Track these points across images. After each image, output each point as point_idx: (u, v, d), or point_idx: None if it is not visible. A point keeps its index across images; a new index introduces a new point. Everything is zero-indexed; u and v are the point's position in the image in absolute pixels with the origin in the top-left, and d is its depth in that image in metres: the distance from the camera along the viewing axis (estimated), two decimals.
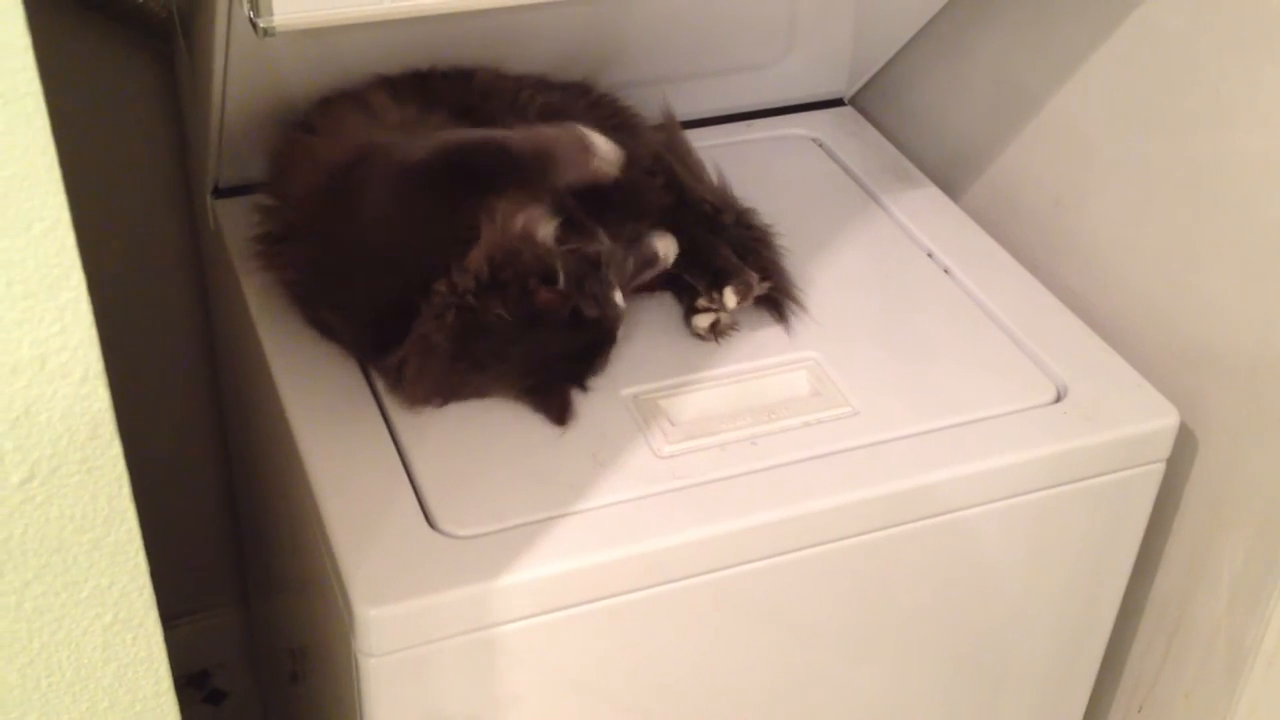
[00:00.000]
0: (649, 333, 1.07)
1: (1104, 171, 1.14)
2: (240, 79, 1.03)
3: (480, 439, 0.97)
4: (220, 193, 1.18)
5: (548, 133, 0.99)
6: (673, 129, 1.19)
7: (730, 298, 1.05)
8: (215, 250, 1.20)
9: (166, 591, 0.72)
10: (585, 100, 1.17)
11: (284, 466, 1.01)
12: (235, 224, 1.15)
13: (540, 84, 1.14)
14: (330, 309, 1.01)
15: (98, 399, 0.56)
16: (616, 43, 1.20)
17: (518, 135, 0.98)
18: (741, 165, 1.25)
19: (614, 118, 1.17)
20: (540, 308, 0.94)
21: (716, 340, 1.06)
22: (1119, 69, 1.11)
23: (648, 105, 1.23)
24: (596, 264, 0.96)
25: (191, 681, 1.72)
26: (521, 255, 0.94)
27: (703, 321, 1.06)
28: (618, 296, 0.97)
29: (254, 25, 0.82)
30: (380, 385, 1.00)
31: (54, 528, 0.58)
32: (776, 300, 1.10)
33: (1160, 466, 1.05)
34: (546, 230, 0.96)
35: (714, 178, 1.18)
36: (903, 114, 1.37)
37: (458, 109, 1.06)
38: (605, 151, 0.99)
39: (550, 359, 0.97)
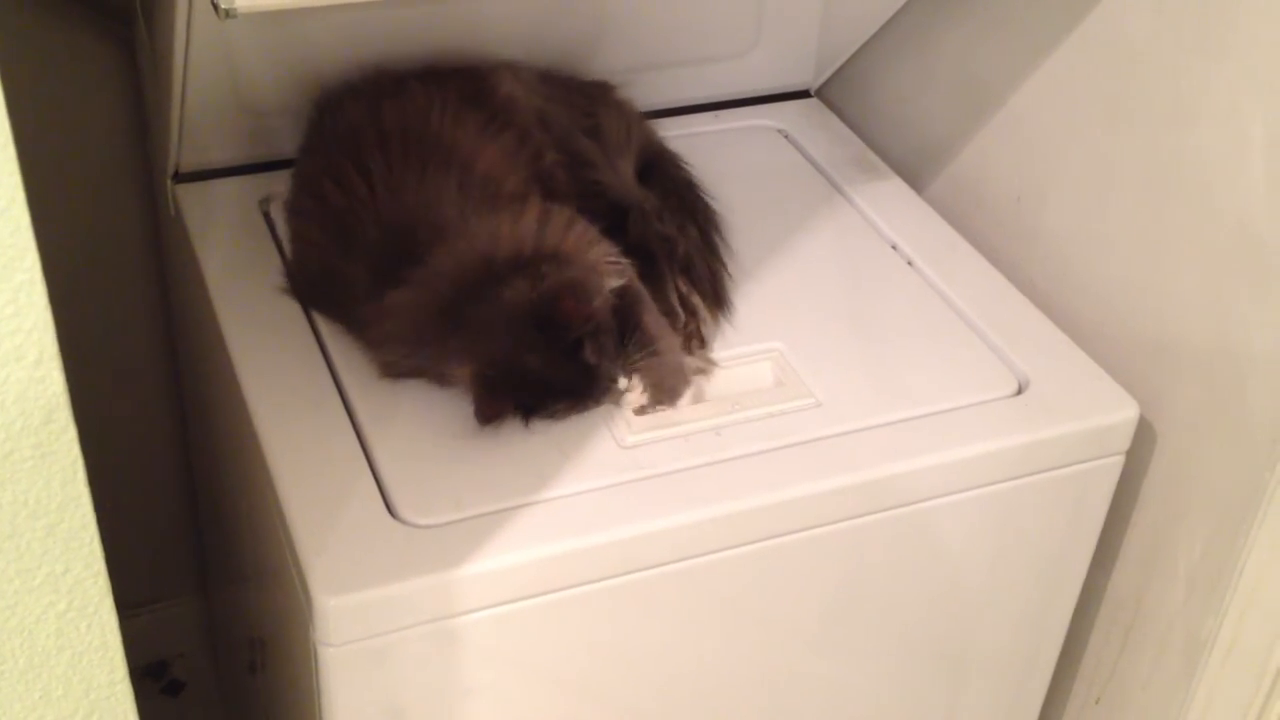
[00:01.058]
0: None
1: (1065, 168, 1.15)
2: (201, 63, 1.02)
3: (442, 428, 0.96)
4: (180, 177, 1.17)
5: (675, 359, 1.01)
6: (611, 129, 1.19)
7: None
8: (175, 235, 1.19)
9: (125, 581, 0.71)
10: (564, 92, 1.17)
11: (244, 454, 1.00)
12: (195, 209, 1.15)
13: (541, 77, 1.14)
14: (353, 256, 1.00)
15: (52, 383, 0.56)
16: (584, 32, 1.20)
17: (656, 320, 1.01)
18: (708, 156, 1.25)
19: (590, 118, 1.16)
20: (559, 311, 0.92)
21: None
22: (1080, 67, 1.12)
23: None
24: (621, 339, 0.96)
25: (149, 672, 1.70)
26: (573, 263, 0.95)
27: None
28: (621, 378, 0.95)
29: (215, 7, 0.81)
30: (342, 371, 1.00)
31: (7, 513, 0.57)
32: (718, 294, 1.09)
33: (1120, 459, 1.05)
34: (606, 282, 0.97)
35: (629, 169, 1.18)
36: (868, 107, 1.38)
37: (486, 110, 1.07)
38: (675, 397, 1.00)
39: (523, 368, 0.93)
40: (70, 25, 1.27)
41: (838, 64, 1.38)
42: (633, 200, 1.12)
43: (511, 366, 0.93)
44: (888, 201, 1.25)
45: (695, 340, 1.05)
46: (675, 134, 1.28)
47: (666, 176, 1.18)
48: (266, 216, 1.15)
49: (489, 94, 1.09)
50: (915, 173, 1.31)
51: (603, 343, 0.93)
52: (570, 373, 0.93)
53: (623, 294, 0.98)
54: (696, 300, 1.07)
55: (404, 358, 0.97)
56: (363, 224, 1.00)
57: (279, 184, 1.18)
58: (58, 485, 0.58)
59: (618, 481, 0.93)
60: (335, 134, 1.07)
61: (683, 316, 1.06)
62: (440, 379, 0.97)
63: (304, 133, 1.12)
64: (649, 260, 1.07)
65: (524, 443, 0.96)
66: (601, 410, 0.98)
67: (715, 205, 1.18)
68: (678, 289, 1.07)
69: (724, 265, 1.12)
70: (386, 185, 1.00)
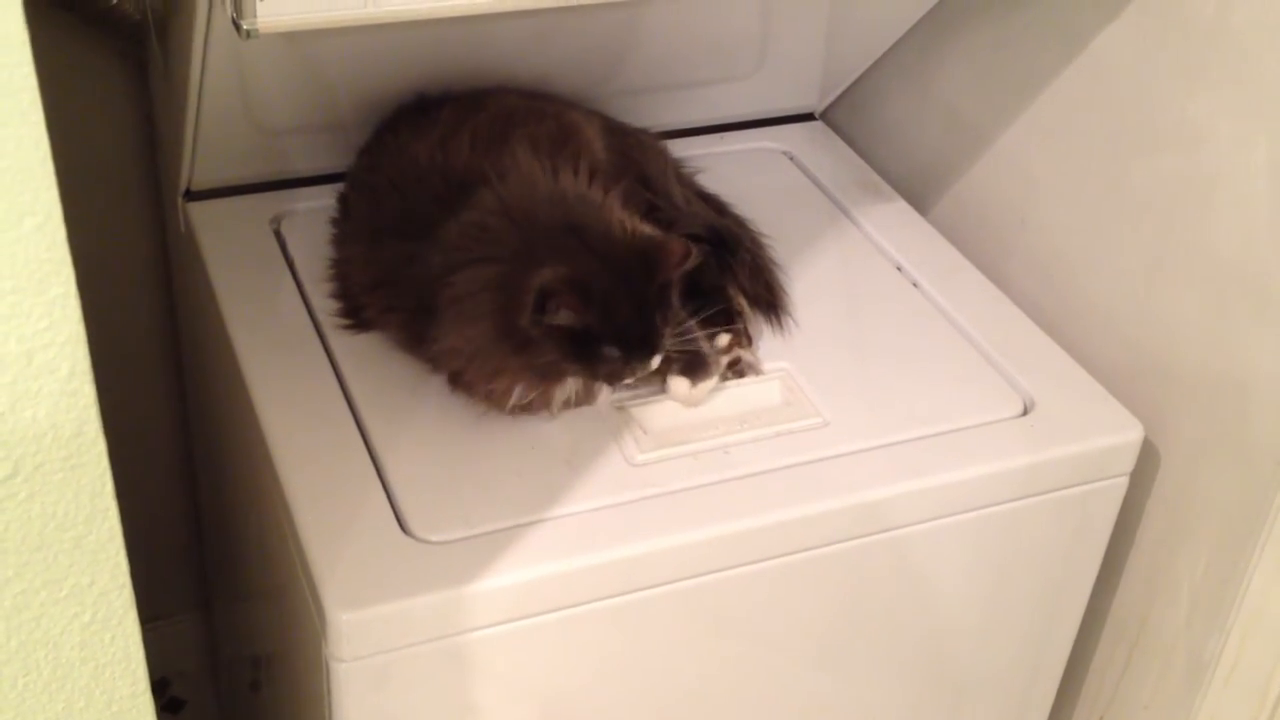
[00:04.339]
0: None
1: (1069, 191, 1.16)
2: (216, 82, 1.03)
3: (453, 444, 0.97)
4: (192, 195, 1.18)
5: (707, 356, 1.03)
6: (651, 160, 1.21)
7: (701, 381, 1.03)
8: (186, 253, 1.19)
9: None
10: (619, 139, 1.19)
11: (255, 471, 1.00)
12: (207, 227, 1.15)
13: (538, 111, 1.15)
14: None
15: (83, 396, 0.56)
16: (591, 54, 1.21)
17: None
18: (714, 177, 1.26)
19: (628, 154, 1.17)
20: (664, 253, 0.93)
21: (733, 376, 1.05)
22: (1078, 95, 1.13)
23: (621, 116, 1.24)
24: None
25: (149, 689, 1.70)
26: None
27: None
28: (658, 356, 0.95)
29: (236, 26, 0.82)
30: (354, 388, 1.00)
31: (36, 525, 0.58)
32: (774, 307, 1.11)
33: (1124, 480, 1.06)
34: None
35: (685, 199, 1.19)
36: (872, 129, 1.39)
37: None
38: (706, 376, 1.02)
39: (605, 295, 0.91)
40: (81, 44, 1.28)
41: (842, 87, 1.39)
42: (709, 219, 1.15)
43: (594, 286, 0.91)
44: (892, 223, 1.26)
45: (744, 337, 1.06)
46: (681, 155, 1.29)
47: (721, 212, 1.21)
48: (278, 235, 1.16)
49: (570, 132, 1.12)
50: (919, 195, 1.32)
51: (669, 315, 0.94)
52: (636, 326, 0.93)
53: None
54: (744, 304, 1.09)
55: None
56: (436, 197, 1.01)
57: (291, 202, 1.19)
58: (86, 497, 0.59)
59: (628, 499, 0.94)
60: (406, 147, 1.09)
61: (743, 315, 1.08)
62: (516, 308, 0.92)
63: (362, 153, 1.14)
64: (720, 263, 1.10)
65: (535, 460, 0.96)
66: (612, 429, 0.99)
67: (765, 241, 1.19)
68: (744, 290, 1.10)
69: (780, 284, 1.15)
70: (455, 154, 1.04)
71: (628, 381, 0.96)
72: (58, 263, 0.53)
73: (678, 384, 1.01)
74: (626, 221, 0.96)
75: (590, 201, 0.98)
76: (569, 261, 0.92)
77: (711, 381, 1.01)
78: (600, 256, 0.93)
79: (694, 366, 1.01)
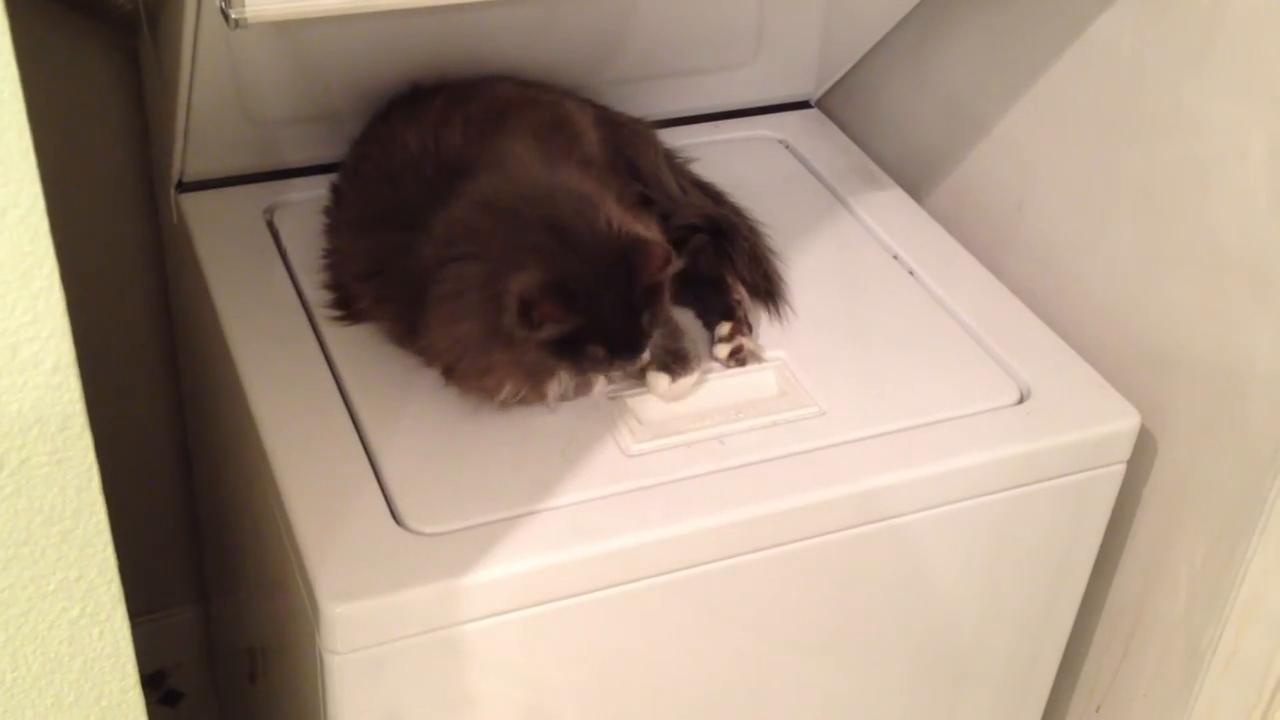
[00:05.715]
0: None
1: (1065, 178, 1.15)
2: (207, 73, 1.03)
3: (447, 435, 0.97)
4: (184, 187, 1.17)
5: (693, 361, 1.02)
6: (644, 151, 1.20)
7: (722, 350, 1.05)
8: (178, 244, 1.19)
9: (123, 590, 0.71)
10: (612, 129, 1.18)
11: (249, 463, 1.00)
12: (199, 218, 1.15)
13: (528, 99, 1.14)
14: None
15: (69, 390, 0.56)
16: (585, 42, 1.20)
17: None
18: (710, 166, 1.25)
19: (621, 147, 1.17)
20: (647, 254, 0.92)
21: (735, 365, 1.04)
22: (1076, 79, 1.12)
23: (617, 105, 1.23)
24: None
25: (147, 682, 1.68)
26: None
27: (721, 351, 1.05)
28: (646, 354, 0.96)
29: (226, 16, 0.82)
30: (348, 380, 1.00)
31: (22, 520, 0.58)
32: (772, 295, 1.11)
33: (1121, 468, 1.06)
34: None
35: (679, 186, 1.19)
36: (868, 117, 1.38)
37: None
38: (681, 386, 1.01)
39: (590, 296, 0.91)
40: (72, 34, 1.27)
41: (838, 75, 1.39)
42: (706, 209, 1.15)
43: (576, 289, 0.91)
44: (889, 211, 1.25)
45: (744, 325, 1.06)
46: (677, 144, 1.28)
47: (717, 201, 1.20)
48: (271, 226, 1.15)
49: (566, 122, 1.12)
50: (915, 183, 1.32)
51: (657, 315, 0.94)
52: (622, 327, 0.93)
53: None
54: (743, 292, 1.09)
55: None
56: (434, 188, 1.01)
57: (283, 193, 1.18)
58: (73, 491, 0.58)
59: (623, 489, 0.94)
60: (395, 139, 1.08)
61: (743, 304, 1.08)
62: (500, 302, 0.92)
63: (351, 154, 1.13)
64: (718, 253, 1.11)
65: (530, 450, 0.96)
66: (607, 418, 0.99)
67: (762, 229, 1.18)
68: (742, 279, 1.10)
69: (778, 272, 1.15)
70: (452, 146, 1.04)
71: (613, 374, 0.98)
72: (41, 255, 0.52)
73: (657, 380, 1.00)
74: (615, 219, 0.95)
75: (582, 198, 0.97)
76: (550, 263, 0.92)
77: (692, 378, 1.01)
78: (581, 257, 0.93)
79: (674, 361, 1.00)
